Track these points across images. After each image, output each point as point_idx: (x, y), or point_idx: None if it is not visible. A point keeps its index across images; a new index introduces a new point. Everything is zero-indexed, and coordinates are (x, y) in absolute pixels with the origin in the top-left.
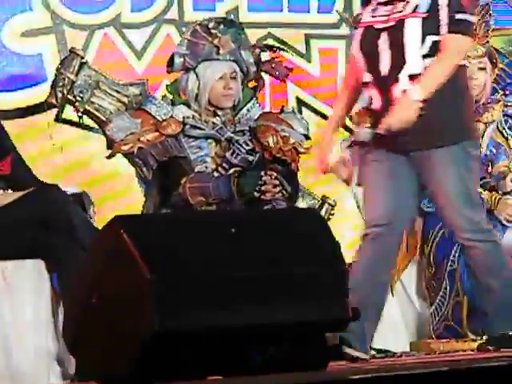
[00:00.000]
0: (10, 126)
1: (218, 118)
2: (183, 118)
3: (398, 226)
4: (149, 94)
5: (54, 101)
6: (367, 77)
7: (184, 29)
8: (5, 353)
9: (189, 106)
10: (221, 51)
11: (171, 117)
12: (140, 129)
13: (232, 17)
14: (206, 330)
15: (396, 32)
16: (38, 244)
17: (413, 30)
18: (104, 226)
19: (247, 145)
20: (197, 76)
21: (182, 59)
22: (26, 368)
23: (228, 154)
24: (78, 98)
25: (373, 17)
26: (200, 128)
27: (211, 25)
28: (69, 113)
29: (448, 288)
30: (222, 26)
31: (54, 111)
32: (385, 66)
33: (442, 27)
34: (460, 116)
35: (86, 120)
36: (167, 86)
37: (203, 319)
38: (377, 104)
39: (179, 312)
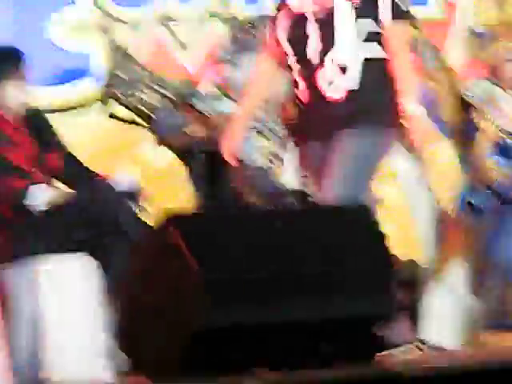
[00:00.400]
0: (57, 120)
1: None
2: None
3: None
4: (195, 89)
5: (101, 96)
6: (292, 60)
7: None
8: (58, 349)
9: (234, 100)
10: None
11: (217, 111)
12: (187, 123)
13: None
14: (255, 324)
15: (326, 15)
16: (89, 242)
17: (344, 13)
18: (155, 222)
19: None
20: (239, 70)
21: (224, 53)
22: (78, 363)
23: (276, 148)
24: (126, 94)
25: None
26: None
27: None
28: (116, 108)
29: (498, 281)
30: None
31: (102, 106)
32: (311, 50)
33: (384, 13)
34: (389, 107)
35: (134, 116)
36: (212, 80)
37: (252, 314)
38: (303, 96)
39: (228, 306)
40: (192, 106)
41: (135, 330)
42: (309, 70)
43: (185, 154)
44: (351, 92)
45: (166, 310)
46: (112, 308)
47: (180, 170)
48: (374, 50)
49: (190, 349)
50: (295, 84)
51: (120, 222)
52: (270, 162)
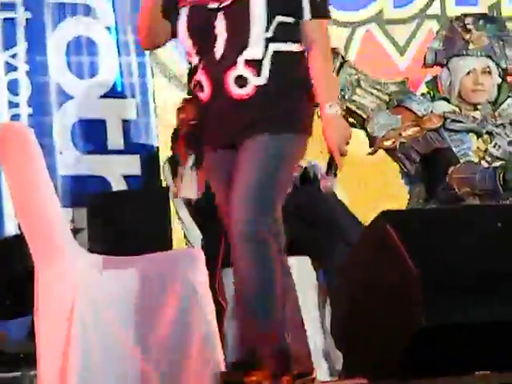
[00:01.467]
0: None
1: (477, 112)
2: (443, 112)
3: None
4: (409, 91)
5: None
6: (196, 60)
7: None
8: None
9: (448, 101)
10: (470, 46)
11: (431, 112)
12: (401, 124)
13: (495, 12)
14: (473, 325)
15: (236, 12)
16: (303, 240)
17: (257, 10)
18: (371, 220)
19: (508, 137)
20: (449, 71)
21: (433, 55)
22: None
23: (490, 147)
24: (340, 97)
25: None
26: (461, 122)
27: (468, 20)
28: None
29: None
30: (480, 22)
31: None
32: (220, 50)
33: (305, 10)
34: (290, 107)
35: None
36: (426, 82)
37: (469, 314)
38: (205, 94)
39: (445, 306)
40: (406, 108)
41: (353, 329)
42: (217, 73)
43: (401, 154)
44: (260, 87)
45: (384, 311)
46: (330, 308)
47: (392, 168)
48: (285, 44)
49: (408, 350)
50: (198, 87)
51: (336, 223)
52: (486, 161)
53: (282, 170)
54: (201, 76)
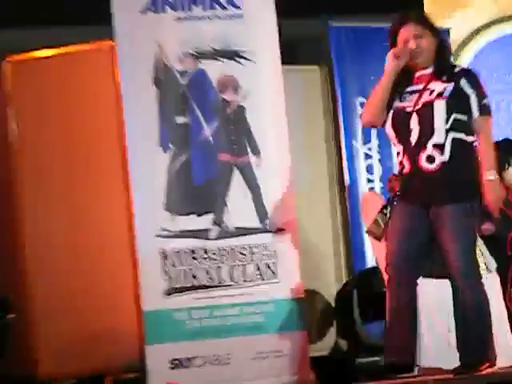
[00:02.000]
0: None
1: None
2: None
3: (411, 268)
4: None
5: None
6: (399, 148)
7: None
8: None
9: None
10: None
11: None
12: None
13: None
14: None
15: (425, 112)
16: None
17: (439, 110)
18: None
19: None
20: None
21: None
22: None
23: None
24: None
25: (401, 101)
26: None
27: None
28: None
29: None
30: None
31: None
32: (414, 138)
33: (474, 111)
34: (473, 178)
35: None
36: None
37: None
38: (406, 169)
39: None
40: None
41: None
42: (413, 154)
43: None
44: (444, 163)
45: None
46: None
47: None
48: (460, 134)
49: None
50: (401, 166)
51: None
52: None
53: (468, 231)
54: (403, 158)
